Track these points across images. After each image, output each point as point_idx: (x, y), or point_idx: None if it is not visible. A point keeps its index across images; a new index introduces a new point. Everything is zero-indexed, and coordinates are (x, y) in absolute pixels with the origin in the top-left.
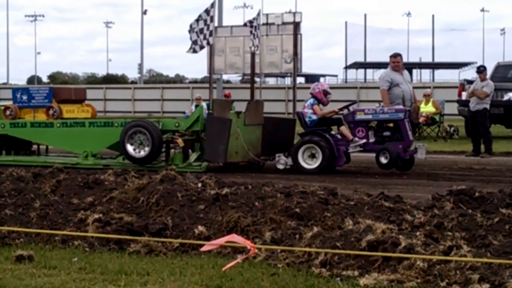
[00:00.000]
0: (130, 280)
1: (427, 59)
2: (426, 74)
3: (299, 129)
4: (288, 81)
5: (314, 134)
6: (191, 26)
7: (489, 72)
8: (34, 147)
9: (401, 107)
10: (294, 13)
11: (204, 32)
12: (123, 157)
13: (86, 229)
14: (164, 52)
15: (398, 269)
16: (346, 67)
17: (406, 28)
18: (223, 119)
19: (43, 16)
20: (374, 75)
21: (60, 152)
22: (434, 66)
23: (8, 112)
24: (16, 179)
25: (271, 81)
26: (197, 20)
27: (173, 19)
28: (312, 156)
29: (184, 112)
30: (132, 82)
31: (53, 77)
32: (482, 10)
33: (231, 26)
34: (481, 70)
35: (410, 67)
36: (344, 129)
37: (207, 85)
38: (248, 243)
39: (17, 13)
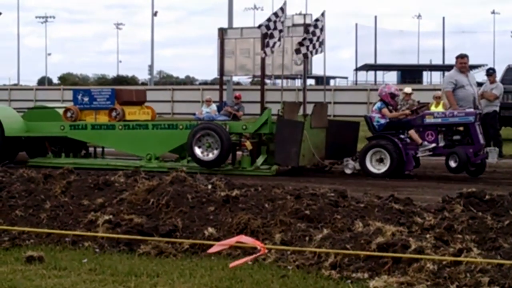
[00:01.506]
0: (140, 281)
1: (438, 61)
2: (436, 76)
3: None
4: (298, 83)
5: (382, 138)
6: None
7: (499, 74)
8: (89, 149)
9: (471, 110)
10: (305, 15)
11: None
12: (188, 160)
13: (96, 230)
14: (174, 53)
15: (408, 272)
16: (357, 69)
17: (417, 30)
18: (296, 121)
19: (53, 17)
20: (384, 77)
21: (117, 155)
22: (444, 68)
23: (69, 114)
24: (27, 180)
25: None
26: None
27: (183, 21)
28: (380, 160)
29: (194, 114)
30: (143, 84)
31: (64, 79)
32: (493, 12)
33: (241, 28)
34: (490, 72)
35: (420, 69)
36: (413, 133)
37: (217, 86)
38: (258, 243)
39: (28, 14)
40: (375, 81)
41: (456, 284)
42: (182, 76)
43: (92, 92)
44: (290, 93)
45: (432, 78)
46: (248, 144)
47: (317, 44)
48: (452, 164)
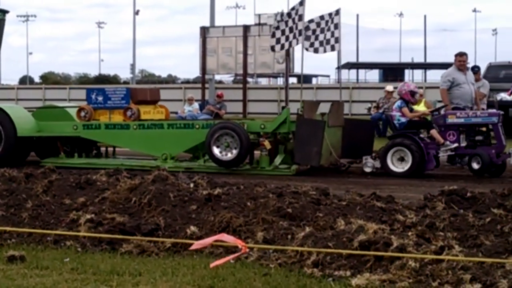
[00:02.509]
0: (122, 280)
1: (419, 59)
2: (418, 74)
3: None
4: (280, 81)
5: (404, 137)
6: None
7: (481, 72)
8: (101, 149)
9: (494, 110)
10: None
11: (293, 31)
12: (204, 160)
13: (78, 229)
14: (156, 52)
15: (390, 269)
16: (339, 67)
17: (398, 28)
18: (317, 121)
19: (35, 16)
20: (366, 75)
21: (128, 154)
22: (426, 66)
23: (82, 114)
24: (8, 179)
25: (264, 81)
26: (280, 19)
27: (165, 19)
28: (401, 159)
29: (176, 113)
30: (125, 83)
31: (45, 78)
32: (474, 10)
33: (223, 27)
34: (475, 70)
35: (402, 67)
36: (435, 132)
37: (199, 85)
38: (239, 242)
39: (9, 14)
40: (357, 79)
41: (438, 281)
42: (164, 75)
43: (106, 91)
44: (271, 91)
45: (414, 76)
46: (267, 143)
47: (296, 33)
48: (475, 166)
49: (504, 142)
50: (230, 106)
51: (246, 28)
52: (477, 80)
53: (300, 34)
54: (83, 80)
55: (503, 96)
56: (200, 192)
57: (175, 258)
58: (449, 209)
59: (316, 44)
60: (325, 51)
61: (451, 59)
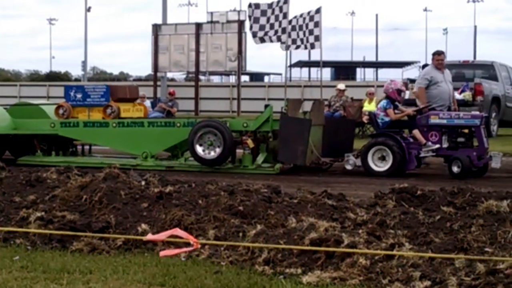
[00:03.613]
0: (72, 278)
1: (371, 58)
2: (369, 73)
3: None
4: (232, 79)
5: (386, 136)
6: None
7: None
8: (77, 147)
9: (477, 113)
10: (239, 12)
11: (275, 28)
12: (185, 158)
13: (28, 227)
14: (108, 49)
15: (341, 267)
16: (291, 66)
17: (350, 27)
18: (303, 119)
19: None
20: (318, 73)
21: (105, 153)
22: (377, 65)
23: (61, 111)
24: None
25: (216, 79)
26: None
27: (117, 16)
28: (383, 158)
29: None
30: (76, 80)
31: None
32: (425, 9)
33: (176, 24)
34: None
35: (354, 66)
36: (417, 132)
37: (151, 83)
38: (191, 238)
39: None
40: (309, 77)
41: (388, 278)
42: (116, 72)
43: (85, 88)
44: (224, 89)
45: (365, 75)
46: (250, 142)
47: (279, 30)
48: (455, 169)
49: (486, 145)
50: (182, 104)
51: (198, 25)
52: None
53: (283, 32)
54: (34, 77)
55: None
56: (151, 190)
57: (126, 256)
58: (400, 207)
59: (298, 42)
60: (305, 48)
61: (402, 57)
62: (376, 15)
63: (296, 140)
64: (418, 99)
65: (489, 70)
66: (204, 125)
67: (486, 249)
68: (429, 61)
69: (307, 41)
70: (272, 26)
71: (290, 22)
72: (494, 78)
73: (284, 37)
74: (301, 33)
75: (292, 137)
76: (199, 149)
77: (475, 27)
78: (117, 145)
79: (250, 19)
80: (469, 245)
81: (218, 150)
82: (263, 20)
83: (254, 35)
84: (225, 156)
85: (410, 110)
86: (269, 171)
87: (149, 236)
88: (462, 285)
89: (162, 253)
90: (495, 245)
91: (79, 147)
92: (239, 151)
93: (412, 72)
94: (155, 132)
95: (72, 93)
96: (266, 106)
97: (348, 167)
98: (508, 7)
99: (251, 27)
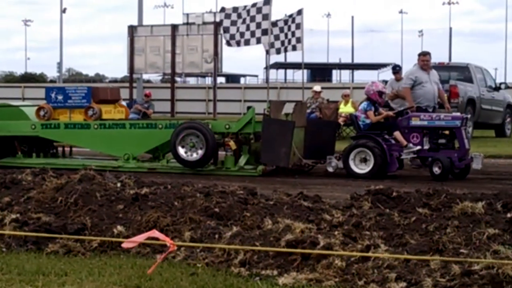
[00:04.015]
0: (47, 280)
1: (347, 59)
2: (345, 74)
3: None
4: (208, 81)
5: (367, 138)
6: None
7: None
8: (58, 149)
9: (458, 114)
10: (215, 13)
11: (250, 29)
12: (168, 160)
13: (3, 229)
14: (83, 51)
15: (317, 268)
16: (267, 68)
17: (326, 29)
18: (286, 121)
19: None
20: (294, 75)
21: (86, 154)
22: (353, 67)
23: (42, 113)
24: None
25: (192, 81)
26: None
27: (93, 18)
28: (364, 160)
29: None
30: (51, 81)
31: None
32: (401, 12)
33: (152, 26)
34: (397, 70)
35: (330, 67)
36: (398, 134)
37: (127, 84)
38: (168, 240)
39: None
40: (285, 79)
41: (364, 280)
42: (91, 73)
43: (66, 90)
44: (200, 91)
45: (341, 77)
46: (232, 143)
47: (256, 32)
48: (436, 170)
49: (467, 146)
50: (158, 105)
51: (174, 27)
52: (398, 79)
53: (264, 33)
54: (9, 78)
55: None
56: (127, 192)
57: (101, 258)
58: (375, 209)
59: (277, 44)
60: (286, 51)
61: (378, 59)
62: (352, 17)
63: (279, 142)
64: (404, 99)
65: (464, 72)
66: (186, 127)
67: (461, 250)
68: (405, 63)
69: (289, 43)
70: (248, 28)
71: (274, 24)
72: (469, 80)
73: (264, 39)
74: (282, 35)
75: (275, 139)
76: (181, 151)
77: (450, 29)
78: (99, 147)
79: (222, 23)
80: (444, 247)
81: (200, 152)
82: (239, 23)
83: (232, 37)
84: (207, 158)
85: (390, 112)
86: (252, 173)
87: (127, 243)
88: (437, 286)
89: (149, 271)
90: (470, 246)
91: (60, 149)
92: (221, 153)
93: (388, 74)
94: (137, 134)
95: (53, 95)
96: (248, 108)
97: (330, 169)
98: (482, 9)
99: (225, 31)
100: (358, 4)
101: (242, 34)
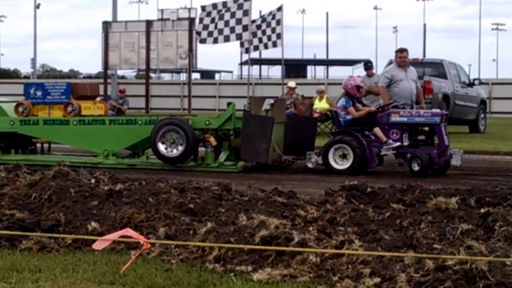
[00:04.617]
0: (21, 277)
1: (322, 56)
2: (320, 70)
3: None
4: (183, 77)
5: (347, 134)
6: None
7: (382, 69)
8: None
9: (437, 111)
10: (189, 9)
11: (230, 25)
12: (147, 156)
13: None
14: (58, 46)
15: (291, 264)
16: (241, 63)
17: (301, 25)
18: (265, 117)
19: None
20: (269, 71)
21: (65, 151)
22: (328, 63)
23: (20, 109)
24: None
25: (167, 77)
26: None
27: (67, 13)
28: (344, 156)
29: None
30: (25, 77)
31: None
32: (375, 8)
33: (126, 21)
34: (368, 66)
35: (304, 63)
36: (378, 130)
37: (101, 80)
38: (141, 238)
39: None
40: (260, 75)
41: (338, 275)
42: (66, 69)
43: (45, 86)
44: (174, 87)
45: (316, 73)
46: (212, 139)
47: (236, 28)
48: (416, 167)
49: (446, 142)
50: (132, 101)
51: (149, 23)
52: (370, 75)
53: (245, 30)
54: None
55: None
56: (101, 188)
57: (75, 254)
58: (350, 204)
59: (255, 41)
60: (266, 47)
61: (353, 55)
62: (327, 13)
63: (258, 138)
64: (377, 95)
65: (438, 68)
66: (167, 123)
67: (435, 245)
68: (379, 59)
69: (269, 40)
70: (227, 24)
71: (253, 22)
72: (443, 76)
73: (245, 35)
74: (259, 32)
75: (255, 135)
76: (161, 147)
77: (425, 25)
78: (78, 143)
79: (202, 21)
80: (418, 242)
81: (180, 148)
82: (217, 19)
83: (210, 34)
84: (187, 154)
85: (372, 107)
86: (232, 169)
87: (99, 244)
88: (411, 281)
89: (123, 270)
90: (444, 241)
91: (38, 145)
92: (201, 149)
93: (362, 70)
94: (117, 130)
95: (32, 91)
96: (228, 104)
97: (310, 165)
98: (456, 6)
99: (204, 28)
100: (333, 1)
101: (220, 31)
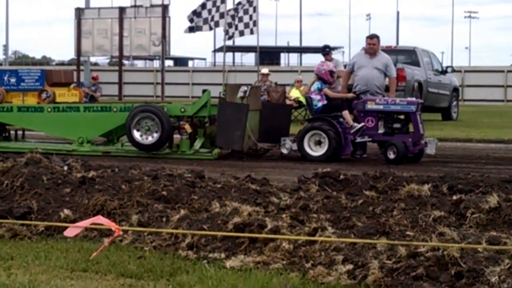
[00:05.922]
0: None
1: (295, 43)
2: (294, 58)
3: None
4: (156, 64)
5: (322, 121)
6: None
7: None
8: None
9: (413, 99)
10: None
11: (212, 14)
12: (122, 143)
13: None
14: (30, 33)
15: (264, 251)
16: (215, 51)
17: (275, 12)
18: (240, 104)
19: None
20: (243, 58)
21: (39, 138)
22: (301, 50)
23: None
24: None
25: (140, 64)
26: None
27: (39, 0)
28: (319, 143)
29: None
30: None
31: None
32: None
33: (99, 8)
34: (326, 51)
35: (278, 51)
36: (346, 113)
37: (74, 67)
38: (113, 225)
39: None
40: (234, 62)
41: (311, 262)
42: (38, 56)
43: (19, 72)
44: (147, 74)
45: (289, 60)
46: (187, 127)
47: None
48: (391, 155)
49: (421, 131)
50: (105, 88)
51: (121, 10)
52: (329, 60)
53: (222, 17)
54: None
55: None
56: (74, 175)
57: (48, 241)
58: (323, 191)
59: (233, 28)
60: (242, 34)
61: (326, 43)
62: (300, 0)
63: (233, 125)
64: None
65: (411, 55)
66: (142, 110)
67: (408, 232)
68: (352, 47)
69: (247, 27)
70: (209, 12)
71: (235, 10)
72: (416, 63)
73: (222, 22)
74: (237, 19)
75: (230, 122)
76: (136, 134)
77: (398, 13)
78: (53, 130)
79: (194, 14)
80: (391, 229)
81: (155, 135)
82: (199, 8)
83: (205, 21)
84: (162, 141)
85: (349, 94)
86: (207, 156)
87: (70, 231)
88: (384, 268)
89: (92, 256)
90: (416, 228)
91: (12, 132)
92: (176, 137)
93: (335, 57)
94: (91, 117)
95: (5, 78)
96: (204, 91)
97: (284, 151)
98: None
99: (198, 15)
100: None
101: (212, 17)
